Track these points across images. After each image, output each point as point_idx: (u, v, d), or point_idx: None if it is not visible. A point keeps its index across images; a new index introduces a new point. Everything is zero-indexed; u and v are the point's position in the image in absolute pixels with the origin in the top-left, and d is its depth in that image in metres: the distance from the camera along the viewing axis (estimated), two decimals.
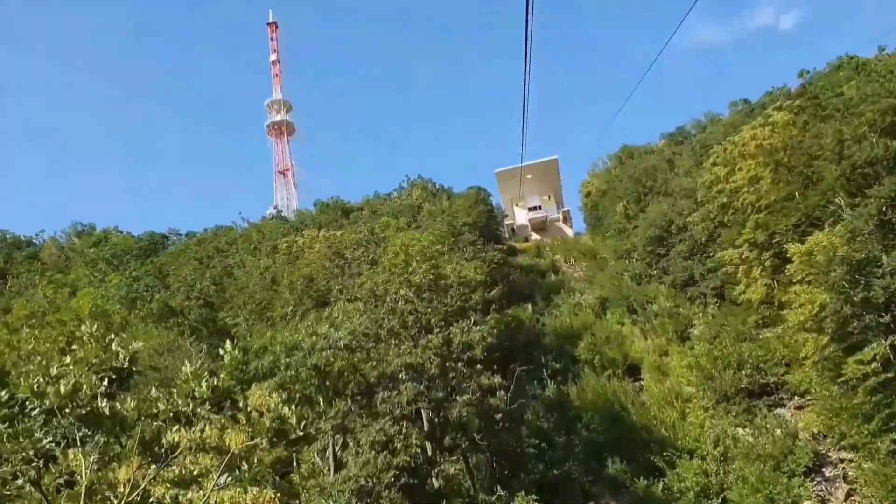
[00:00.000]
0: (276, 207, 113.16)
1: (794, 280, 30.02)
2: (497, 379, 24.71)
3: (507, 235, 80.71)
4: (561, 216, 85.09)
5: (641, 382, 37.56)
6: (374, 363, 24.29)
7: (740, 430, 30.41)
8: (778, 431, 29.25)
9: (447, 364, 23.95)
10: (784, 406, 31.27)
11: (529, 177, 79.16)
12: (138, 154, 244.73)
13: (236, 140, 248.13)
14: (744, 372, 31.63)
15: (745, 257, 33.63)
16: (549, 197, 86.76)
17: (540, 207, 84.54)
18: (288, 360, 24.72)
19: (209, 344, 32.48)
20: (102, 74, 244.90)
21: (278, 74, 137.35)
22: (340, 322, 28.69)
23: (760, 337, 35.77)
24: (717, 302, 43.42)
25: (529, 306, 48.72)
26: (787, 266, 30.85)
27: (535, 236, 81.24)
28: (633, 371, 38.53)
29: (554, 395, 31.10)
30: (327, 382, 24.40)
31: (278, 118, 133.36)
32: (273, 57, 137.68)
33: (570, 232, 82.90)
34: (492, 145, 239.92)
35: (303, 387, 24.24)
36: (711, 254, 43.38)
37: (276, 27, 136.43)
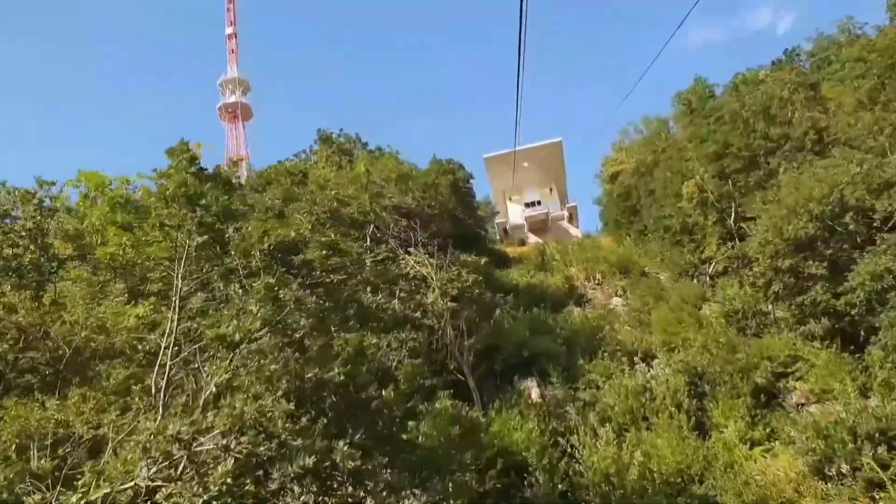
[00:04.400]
0: None
1: None
2: None
3: (497, 237, 55.91)
4: (566, 213, 59.09)
5: None
6: None
7: None
8: None
9: None
10: None
11: (526, 164, 54.21)
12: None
13: (188, 123, 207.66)
14: None
15: None
16: (551, 190, 60.59)
17: (539, 203, 59.39)
18: None
19: None
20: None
21: (234, 50, 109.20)
22: None
23: None
24: None
25: (535, 387, 20.40)
26: None
27: (532, 238, 55.30)
28: None
29: None
30: None
31: (232, 100, 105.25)
32: (229, 30, 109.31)
33: (576, 233, 56.89)
34: (488, 130, 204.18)
35: None
36: None
37: None
